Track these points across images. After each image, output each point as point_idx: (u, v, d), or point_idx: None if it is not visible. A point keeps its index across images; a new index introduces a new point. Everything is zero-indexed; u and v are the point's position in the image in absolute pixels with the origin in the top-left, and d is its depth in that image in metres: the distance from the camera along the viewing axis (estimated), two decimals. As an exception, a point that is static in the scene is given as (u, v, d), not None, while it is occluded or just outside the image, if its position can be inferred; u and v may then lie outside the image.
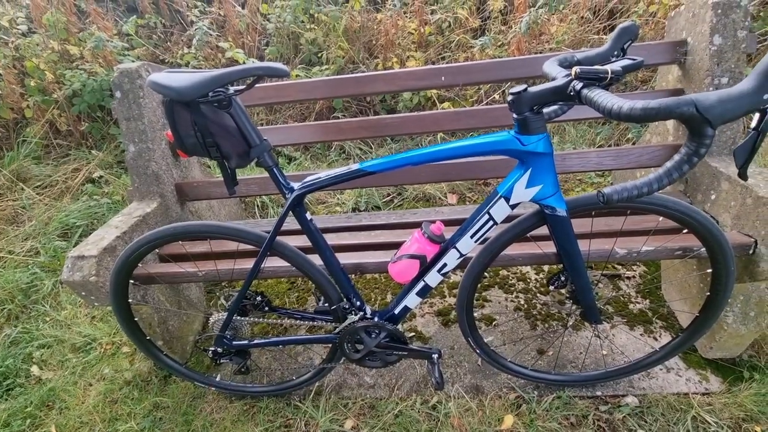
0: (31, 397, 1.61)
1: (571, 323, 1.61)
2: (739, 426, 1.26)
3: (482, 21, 3.01)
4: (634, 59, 0.85)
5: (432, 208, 1.66)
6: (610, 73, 0.78)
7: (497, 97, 2.59)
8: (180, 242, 1.52)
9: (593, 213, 1.21)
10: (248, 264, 1.37)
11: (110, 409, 1.55)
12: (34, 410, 1.56)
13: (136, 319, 1.36)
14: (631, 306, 1.65)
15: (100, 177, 2.69)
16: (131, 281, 1.27)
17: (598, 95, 0.75)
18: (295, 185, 1.06)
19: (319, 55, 2.91)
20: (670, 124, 1.54)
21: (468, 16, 2.79)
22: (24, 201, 2.49)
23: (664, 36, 1.58)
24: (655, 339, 1.52)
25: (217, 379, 1.52)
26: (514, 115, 0.93)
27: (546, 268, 1.88)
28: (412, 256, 1.10)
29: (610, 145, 2.39)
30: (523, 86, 0.89)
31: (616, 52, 0.97)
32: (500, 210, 1.03)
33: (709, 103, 0.62)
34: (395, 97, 2.81)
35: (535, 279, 1.84)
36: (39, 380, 1.69)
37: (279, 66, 0.89)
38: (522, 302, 1.74)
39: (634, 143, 2.28)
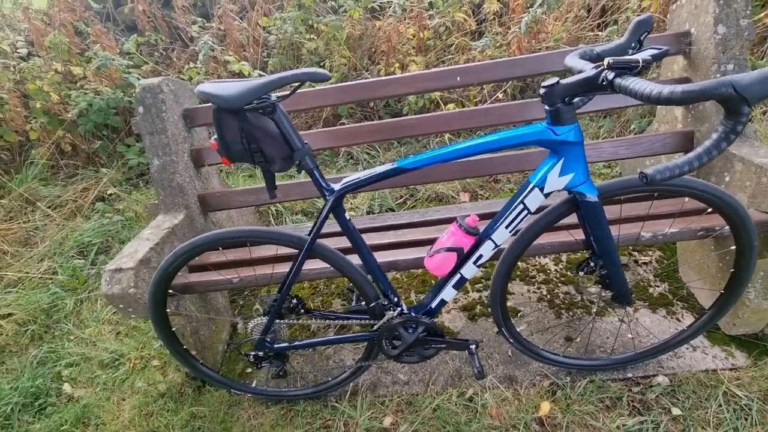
0: (65, 415, 1.60)
1: (595, 310, 1.65)
2: (768, 397, 1.31)
3: (478, 24, 3.09)
4: (659, 48, 0.90)
5: (453, 206, 1.70)
6: (641, 61, 0.83)
7: (501, 96, 2.66)
8: (205, 253, 1.54)
9: (621, 199, 1.25)
10: (281, 269, 1.40)
11: (147, 422, 1.55)
12: (71, 428, 1.56)
13: (173, 329, 1.37)
14: (650, 290, 1.70)
15: (110, 195, 2.69)
16: (170, 291, 1.29)
17: (634, 83, 0.80)
18: (335, 186, 1.09)
19: (322, 64, 2.96)
20: (679, 112, 1.60)
21: (465, 18, 2.86)
22: (37, 222, 2.48)
23: (664, 29, 1.65)
24: (678, 320, 1.57)
25: (253, 385, 1.54)
26: (546, 107, 0.97)
27: (564, 258, 1.93)
28: (450, 249, 1.14)
29: (612, 137, 2.46)
30: (555, 79, 0.94)
31: (633, 44, 1.02)
32: (534, 199, 1.07)
33: (746, 83, 0.67)
34: (400, 101, 2.86)
35: (555, 270, 1.88)
36: (71, 398, 1.68)
37: (321, 71, 0.93)
38: (544, 293, 1.78)
39: (636, 134, 2.35)
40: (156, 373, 1.71)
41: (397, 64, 2.83)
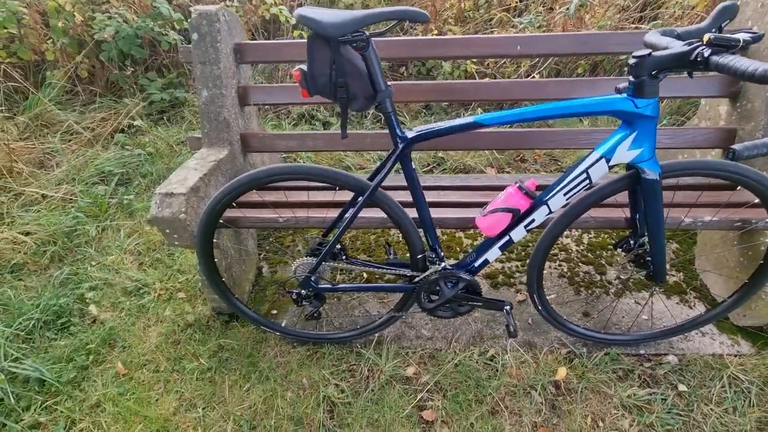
0: (91, 336, 1.63)
1: (613, 291, 1.73)
2: (767, 384, 1.41)
3: (519, 0, 3.04)
4: (755, 32, 0.92)
5: (492, 175, 1.73)
6: (741, 41, 0.85)
7: (536, 76, 2.65)
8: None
9: (678, 181, 1.29)
10: (327, 213, 1.41)
11: (174, 348, 1.59)
12: (96, 347, 1.59)
13: (216, 260, 1.39)
14: (667, 277, 1.78)
15: (132, 127, 2.63)
16: (220, 221, 1.30)
17: (733, 60, 0.82)
18: (409, 133, 1.10)
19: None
20: (723, 109, 1.64)
21: (510, -7, 2.82)
22: (56, 144, 2.42)
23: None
24: (690, 307, 1.66)
25: (283, 324, 1.58)
26: (631, 78, 0.99)
27: (585, 240, 1.99)
28: (506, 210, 1.17)
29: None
30: (648, 51, 0.95)
31: (713, 30, 1.04)
32: (599, 170, 1.10)
33: None
34: (432, 70, 2.83)
35: (576, 250, 1.95)
36: (95, 320, 1.70)
37: (421, 11, 0.92)
38: (565, 270, 1.85)
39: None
40: (184, 304, 1.73)
41: (435, 32, 2.78)
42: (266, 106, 2.85)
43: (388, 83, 1.06)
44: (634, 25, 2.73)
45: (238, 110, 1.67)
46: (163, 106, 2.82)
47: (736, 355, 1.50)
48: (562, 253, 1.93)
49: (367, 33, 0.97)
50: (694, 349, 1.52)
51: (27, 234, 1.99)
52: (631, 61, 0.97)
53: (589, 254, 1.91)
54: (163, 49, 2.83)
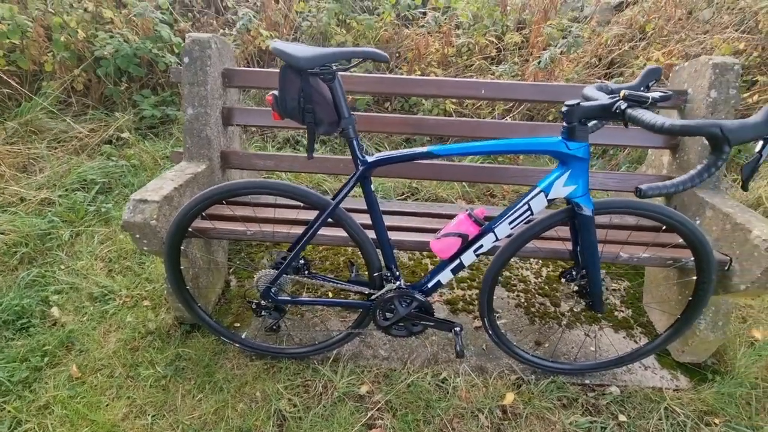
0: (49, 338, 1.63)
1: (565, 322, 1.82)
2: (701, 418, 1.48)
3: (498, 51, 3.30)
4: (665, 92, 1.07)
5: (455, 204, 1.84)
6: (650, 98, 0.99)
7: (509, 119, 2.85)
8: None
9: (611, 218, 1.41)
10: (291, 229, 1.49)
11: (131, 355, 1.60)
12: (53, 349, 1.59)
13: (181, 267, 1.44)
14: (616, 313, 1.88)
15: (119, 140, 2.71)
16: (189, 229, 1.36)
17: (643, 113, 0.96)
18: (369, 158, 1.21)
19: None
20: (666, 159, 1.81)
21: (488, 43, 3.07)
22: (42, 150, 2.48)
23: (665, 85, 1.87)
24: (635, 342, 1.75)
25: (243, 336, 1.61)
26: (565, 124, 1.13)
27: (544, 273, 2.09)
28: (457, 235, 1.27)
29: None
30: (577, 100, 1.09)
31: (642, 88, 1.20)
32: (539, 203, 1.22)
33: (731, 127, 0.84)
34: (413, 107, 3.01)
35: (534, 282, 2.04)
36: (56, 323, 1.71)
37: (382, 53, 1.06)
38: (522, 300, 1.93)
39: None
40: (148, 312, 1.75)
41: (418, 73, 2.99)
42: (254, 130, 2.98)
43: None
44: (599, 80, 2.98)
45: (221, 129, 1.77)
46: (153, 122, 2.92)
47: (674, 389, 1.57)
48: (521, 284, 2.03)
49: (334, 67, 1.09)
50: (636, 381, 1.60)
51: (0, 233, 2.01)
52: (564, 108, 1.11)
53: (546, 287, 2.01)
54: (159, 69, 2.97)
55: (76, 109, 2.93)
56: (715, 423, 1.47)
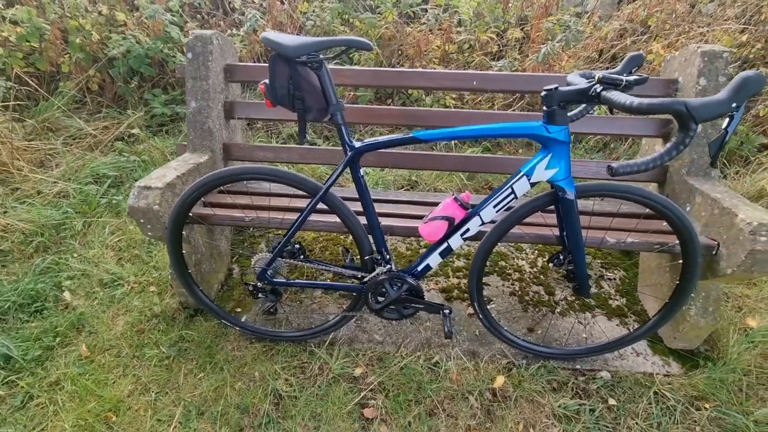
0: (61, 320, 1.72)
1: (558, 310, 1.84)
2: (692, 403, 1.49)
3: (499, 48, 3.33)
4: (641, 76, 1.10)
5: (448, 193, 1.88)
6: (624, 80, 1.03)
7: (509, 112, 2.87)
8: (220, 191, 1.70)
9: (593, 203, 1.44)
10: (286, 215, 1.56)
11: (137, 337, 1.68)
12: (65, 330, 1.68)
13: (183, 252, 1.52)
14: (610, 301, 1.89)
15: (131, 137, 2.83)
16: (189, 214, 1.44)
17: (616, 95, 0.99)
18: (357, 144, 1.26)
19: (351, 56, 3.15)
20: (658, 148, 1.82)
21: (489, 40, 3.10)
22: (59, 147, 2.60)
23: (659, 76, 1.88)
24: (629, 330, 1.76)
25: (243, 319, 1.68)
26: (545, 108, 1.17)
27: (540, 263, 2.12)
28: (443, 218, 1.32)
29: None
30: (555, 85, 1.13)
31: (625, 74, 1.23)
32: (521, 186, 1.25)
33: (696, 104, 0.87)
34: (415, 103, 3.07)
35: (529, 271, 2.06)
36: (68, 306, 1.80)
37: (366, 41, 1.11)
38: (517, 289, 1.96)
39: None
40: (153, 296, 1.84)
41: (420, 68, 3.04)
42: (259, 126, 3.07)
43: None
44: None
45: (223, 122, 1.85)
46: (163, 120, 3.03)
47: (665, 375, 1.58)
48: (516, 273, 2.05)
49: (321, 56, 1.15)
50: (627, 367, 1.61)
51: (17, 224, 2.12)
52: (543, 93, 1.14)
53: (541, 276, 2.03)
54: (170, 68, 3.08)
55: (91, 108, 3.06)
56: (705, 407, 1.48)
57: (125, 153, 2.68)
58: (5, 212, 2.19)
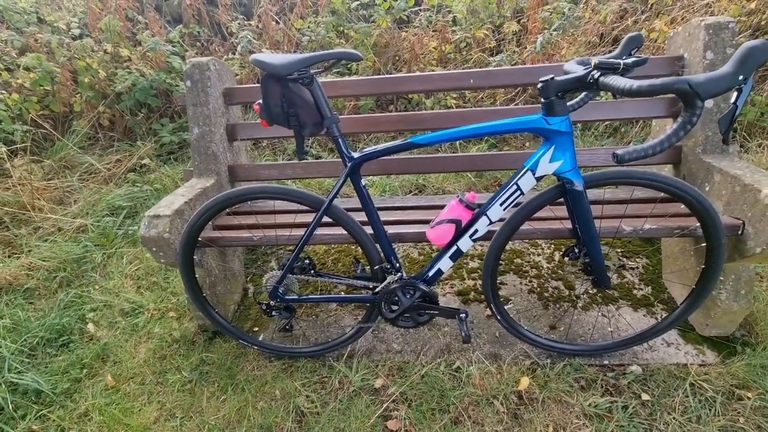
0: (86, 351, 1.76)
1: (580, 304, 1.78)
2: (733, 392, 1.41)
3: (497, 43, 3.29)
4: (640, 57, 1.06)
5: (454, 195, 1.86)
6: (622, 64, 0.99)
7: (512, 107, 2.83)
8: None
9: (604, 191, 1.39)
10: (292, 231, 1.56)
11: (160, 363, 1.70)
12: (90, 362, 1.72)
13: (197, 275, 1.53)
14: (635, 291, 1.82)
15: (143, 167, 2.90)
16: (199, 239, 1.45)
17: (613, 79, 0.96)
18: (355, 154, 1.26)
19: (349, 66, 3.17)
20: (670, 128, 1.75)
21: (486, 35, 3.07)
22: (75, 183, 2.69)
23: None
24: (656, 319, 1.68)
25: (260, 338, 1.68)
26: (542, 99, 1.13)
27: (556, 258, 2.06)
28: (450, 221, 1.29)
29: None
30: (551, 75, 1.10)
31: (624, 57, 1.19)
32: (527, 181, 1.22)
33: (699, 81, 0.82)
34: (416, 108, 3.05)
35: (547, 267, 2.01)
36: (92, 338, 1.84)
37: (354, 52, 1.11)
38: (535, 286, 1.91)
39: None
40: (173, 321, 1.86)
41: (418, 72, 3.03)
42: (264, 144, 3.11)
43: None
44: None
45: (226, 145, 1.88)
46: (172, 148, 3.11)
47: (700, 365, 1.51)
48: (533, 270, 2.00)
49: (312, 71, 1.15)
50: (659, 358, 1.54)
51: (40, 263, 2.20)
52: (539, 85, 1.11)
53: (559, 270, 1.97)
54: (175, 97, 3.17)
55: (104, 143, 3.16)
56: (747, 396, 1.40)
57: (138, 183, 2.76)
58: (30, 251, 2.27)
